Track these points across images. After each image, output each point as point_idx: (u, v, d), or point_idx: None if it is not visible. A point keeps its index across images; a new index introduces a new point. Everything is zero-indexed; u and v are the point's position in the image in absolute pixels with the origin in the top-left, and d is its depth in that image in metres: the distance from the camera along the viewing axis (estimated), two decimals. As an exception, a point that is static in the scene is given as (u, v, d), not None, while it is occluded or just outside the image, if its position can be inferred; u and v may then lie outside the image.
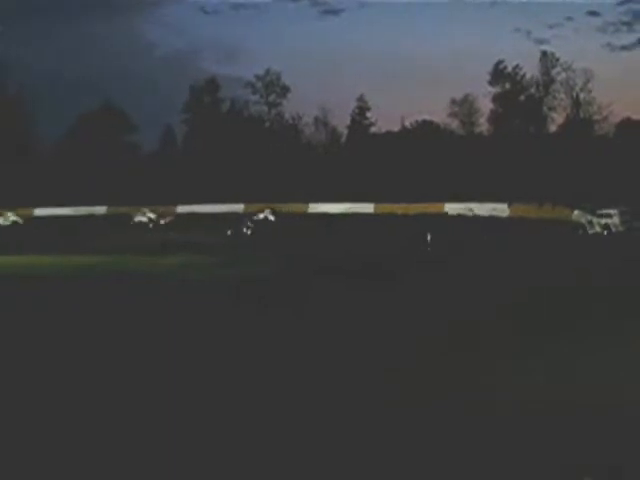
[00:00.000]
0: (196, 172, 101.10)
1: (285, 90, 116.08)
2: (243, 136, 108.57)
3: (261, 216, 73.54)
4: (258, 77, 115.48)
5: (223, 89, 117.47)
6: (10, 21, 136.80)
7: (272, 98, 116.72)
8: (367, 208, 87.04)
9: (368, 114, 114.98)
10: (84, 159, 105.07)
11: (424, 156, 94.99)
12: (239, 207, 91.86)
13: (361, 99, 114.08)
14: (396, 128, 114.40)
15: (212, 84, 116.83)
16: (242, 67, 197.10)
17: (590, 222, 54.30)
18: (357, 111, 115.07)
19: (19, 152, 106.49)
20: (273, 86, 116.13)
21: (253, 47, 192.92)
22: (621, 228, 51.93)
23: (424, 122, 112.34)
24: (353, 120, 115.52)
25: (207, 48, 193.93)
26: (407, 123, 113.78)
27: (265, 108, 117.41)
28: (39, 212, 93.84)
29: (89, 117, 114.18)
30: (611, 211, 54.16)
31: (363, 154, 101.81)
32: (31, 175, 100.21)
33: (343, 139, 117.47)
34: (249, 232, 63.43)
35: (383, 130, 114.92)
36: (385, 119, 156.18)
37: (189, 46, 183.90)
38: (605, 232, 52.37)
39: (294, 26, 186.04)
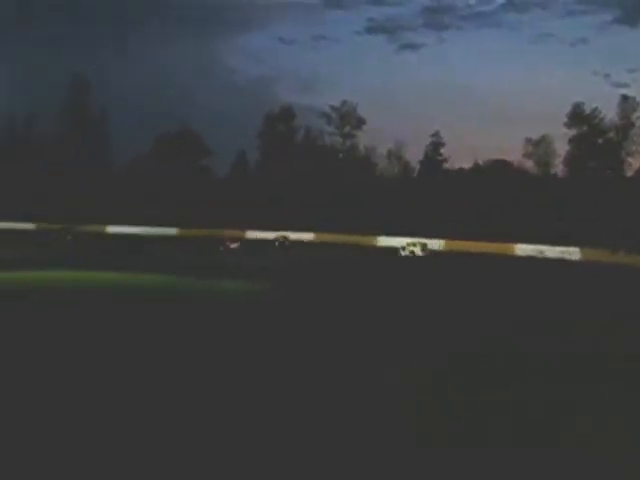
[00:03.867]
0: (267, 198, 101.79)
1: (360, 122, 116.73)
2: (316, 165, 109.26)
3: None
4: (334, 108, 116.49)
5: (298, 118, 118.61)
6: (99, 44, 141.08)
7: (347, 129, 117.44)
8: (435, 244, 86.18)
9: (442, 150, 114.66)
10: (158, 180, 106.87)
11: (496, 194, 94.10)
12: (309, 236, 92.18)
13: (436, 135, 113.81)
14: (469, 165, 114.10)
15: (287, 112, 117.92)
16: (318, 97, 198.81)
17: (403, 248, 73.52)
18: (431, 146, 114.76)
19: (97, 170, 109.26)
20: (348, 117, 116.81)
21: (330, 78, 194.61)
22: (421, 254, 71.60)
23: (497, 161, 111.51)
24: (426, 155, 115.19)
25: (285, 77, 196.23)
26: (480, 161, 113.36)
27: (339, 139, 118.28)
28: (111, 229, 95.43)
29: (166, 139, 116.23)
30: (416, 241, 75.23)
31: (435, 189, 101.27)
32: (105, 193, 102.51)
33: (415, 174, 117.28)
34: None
35: (456, 166, 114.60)
36: (458, 156, 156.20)
37: (267, 74, 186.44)
38: (411, 255, 71.56)
39: (372, 59, 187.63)
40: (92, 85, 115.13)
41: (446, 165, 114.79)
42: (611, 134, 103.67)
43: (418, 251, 71.92)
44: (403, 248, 73.22)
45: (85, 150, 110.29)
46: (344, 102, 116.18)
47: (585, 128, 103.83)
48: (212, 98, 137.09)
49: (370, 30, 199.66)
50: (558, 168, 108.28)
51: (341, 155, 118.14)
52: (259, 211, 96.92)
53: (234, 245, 71.52)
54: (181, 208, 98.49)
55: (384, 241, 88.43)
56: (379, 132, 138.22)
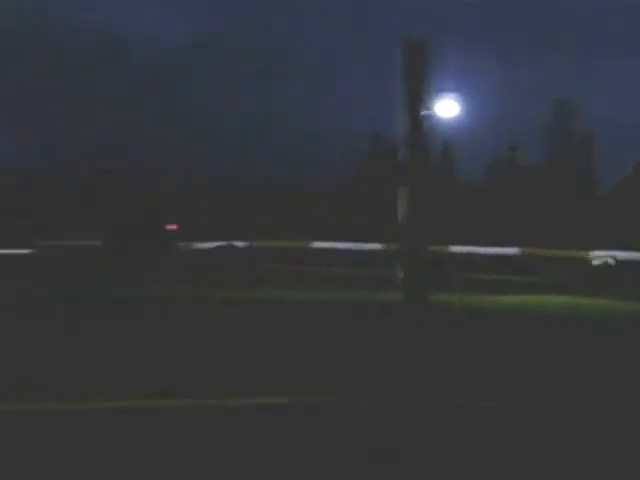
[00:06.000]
0: None
1: None
2: None
3: None
4: None
5: None
6: (584, 70, 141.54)
7: None
8: None
9: None
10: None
11: None
12: None
13: None
14: None
15: None
16: None
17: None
18: None
19: (583, 194, 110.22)
20: None
21: None
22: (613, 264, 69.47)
23: None
24: None
25: None
26: None
27: None
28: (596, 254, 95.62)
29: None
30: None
31: None
32: (591, 216, 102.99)
33: None
34: None
35: None
36: None
37: None
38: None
39: None
40: (579, 110, 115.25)
41: None
42: None
43: (611, 262, 73.48)
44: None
45: (572, 175, 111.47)
46: None
47: None
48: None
49: None
50: None
51: None
52: None
53: None
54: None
55: None
56: None
